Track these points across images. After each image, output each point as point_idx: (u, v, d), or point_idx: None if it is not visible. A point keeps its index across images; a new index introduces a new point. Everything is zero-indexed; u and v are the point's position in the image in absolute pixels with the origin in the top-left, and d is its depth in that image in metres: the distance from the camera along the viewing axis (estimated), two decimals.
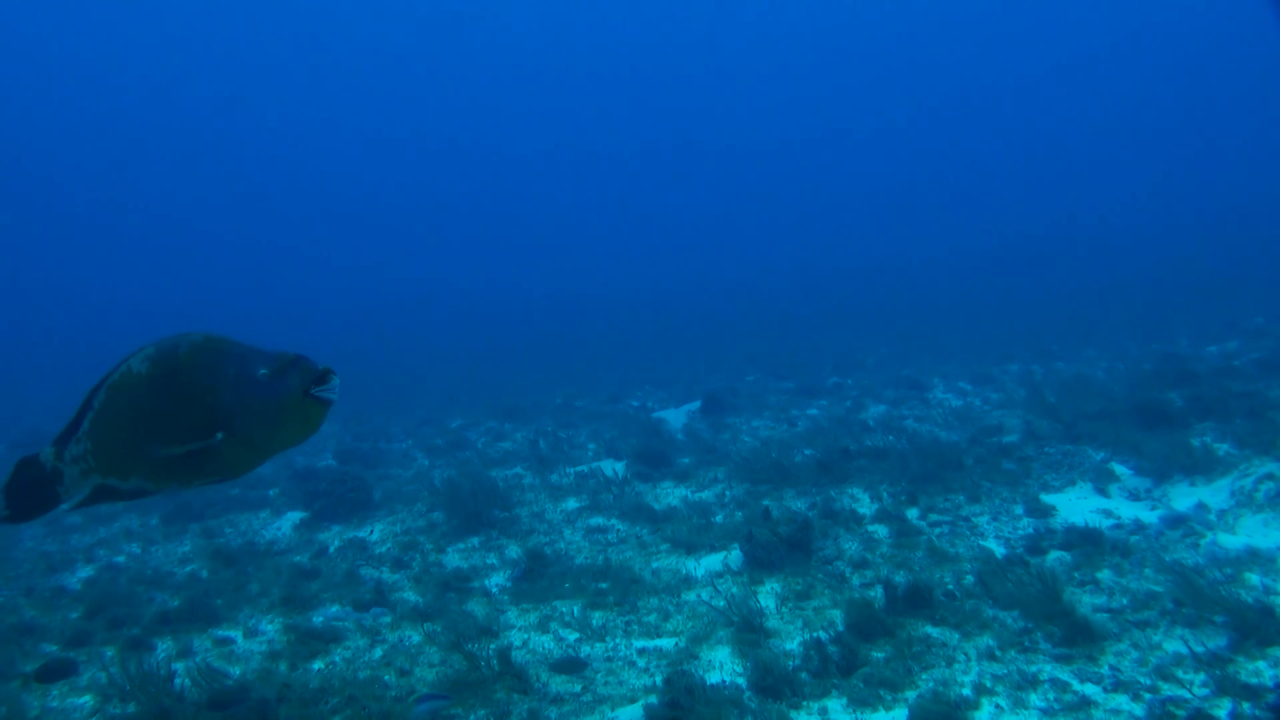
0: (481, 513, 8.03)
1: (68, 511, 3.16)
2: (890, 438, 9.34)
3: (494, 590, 6.36)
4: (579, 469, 9.77)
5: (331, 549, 7.89)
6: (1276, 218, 31.22)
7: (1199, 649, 4.00)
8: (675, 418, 12.53)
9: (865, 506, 7.11)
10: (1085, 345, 14.30)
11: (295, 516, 9.07)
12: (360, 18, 64.09)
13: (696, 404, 13.12)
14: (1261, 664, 3.83)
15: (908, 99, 70.08)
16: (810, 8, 65.05)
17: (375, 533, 8.21)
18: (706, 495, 8.17)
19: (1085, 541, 5.65)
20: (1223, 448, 6.82)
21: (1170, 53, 62.07)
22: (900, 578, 5.33)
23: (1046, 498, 6.71)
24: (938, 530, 6.37)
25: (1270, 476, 5.89)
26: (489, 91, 70.50)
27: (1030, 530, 6.11)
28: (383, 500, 9.28)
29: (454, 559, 7.23)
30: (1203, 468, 6.49)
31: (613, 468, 9.47)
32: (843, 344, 19.20)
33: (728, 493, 8.13)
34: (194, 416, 2.83)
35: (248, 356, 2.82)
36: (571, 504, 8.45)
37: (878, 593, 5.13)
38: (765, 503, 7.43)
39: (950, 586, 5.21)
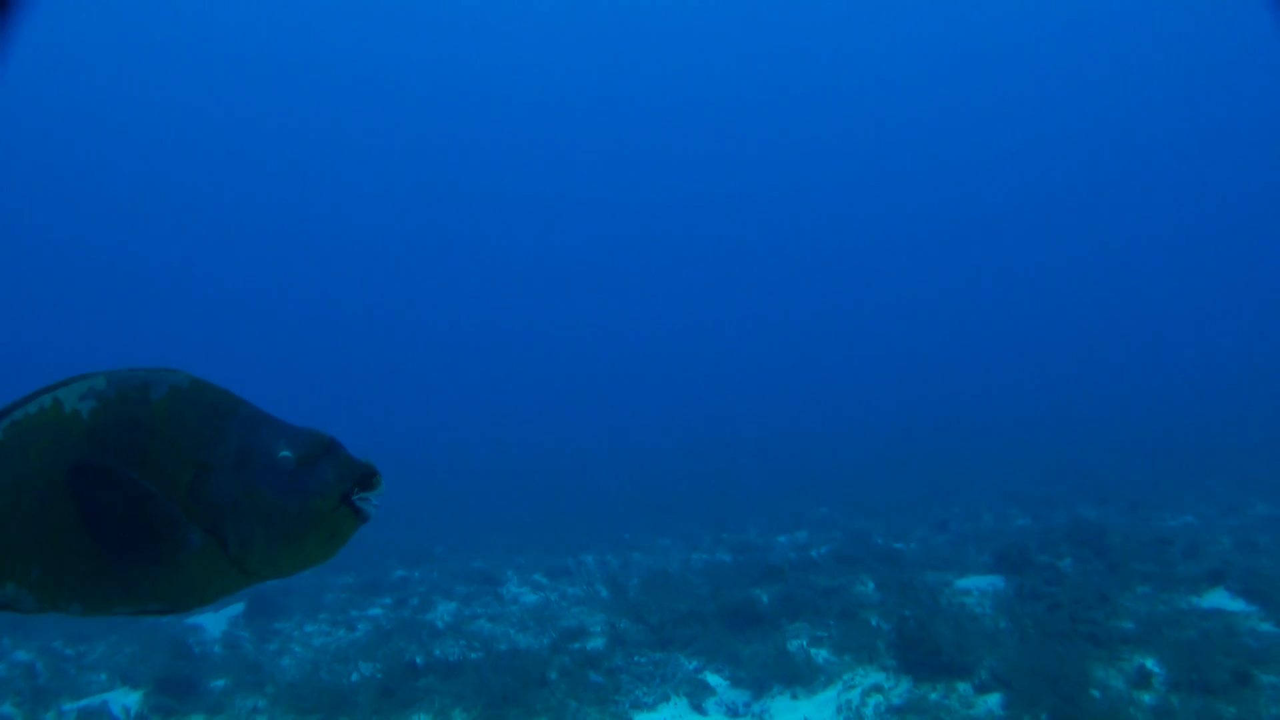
0: None
1: None
2: (463, 643, 8.24)
3: None
4: (83, 703, 7.68)
5: None
6: (841, 412, 34.26)
7: None
8: (214, 624, 10.63)
9: None
10: (658, 533, 14.11)
11: None
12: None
13: (240, 606, 11.26)
14: None
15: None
16: None
17: None
18: None
19: None
20: (821, 654, 6.38)
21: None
22: None
23: (640, 718, 5.88)
24: None
25: (877, 689, 5.45)
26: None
27: None
28: None
29: None
30: (804, 678, 5.98)
31: (124, 702, 7.50)
32: (409, 519, 17.94)
33: None
34: (161, 502, 1.64)
35: (261, 425, 1.74)
36: None
37: None
38: None
39: None
